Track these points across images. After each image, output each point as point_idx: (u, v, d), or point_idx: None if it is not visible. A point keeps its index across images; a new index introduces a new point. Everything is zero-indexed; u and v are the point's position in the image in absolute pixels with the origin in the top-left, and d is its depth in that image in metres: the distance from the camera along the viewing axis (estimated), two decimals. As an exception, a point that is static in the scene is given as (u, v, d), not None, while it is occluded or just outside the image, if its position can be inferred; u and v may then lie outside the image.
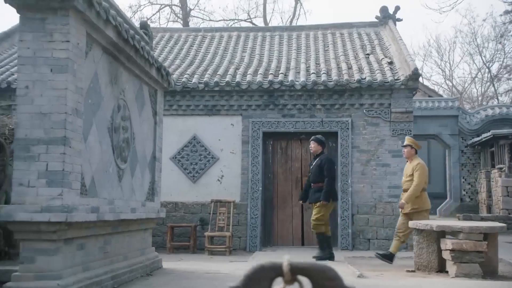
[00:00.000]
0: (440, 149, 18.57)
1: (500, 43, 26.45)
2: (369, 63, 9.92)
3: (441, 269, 5.95)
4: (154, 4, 21.52)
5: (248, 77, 9.54)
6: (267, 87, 9.32)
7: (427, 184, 7.02)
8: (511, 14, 17.46)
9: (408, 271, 6.15)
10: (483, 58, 28.23)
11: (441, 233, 5.95)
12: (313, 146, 7.51)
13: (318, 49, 11.17)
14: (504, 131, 14.71)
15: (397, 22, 11.85)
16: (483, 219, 12.16)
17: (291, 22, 22.64)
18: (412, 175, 6.81)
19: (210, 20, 22.44)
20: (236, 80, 9.44)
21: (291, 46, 11.47)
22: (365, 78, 9.16)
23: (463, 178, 16.85)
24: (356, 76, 9.23)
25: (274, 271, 1.33)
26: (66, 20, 3.60)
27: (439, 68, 31.35)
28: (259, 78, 9.49)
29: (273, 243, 9.53)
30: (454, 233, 5.71)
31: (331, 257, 7.22)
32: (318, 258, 7.12)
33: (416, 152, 7.07)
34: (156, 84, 5.89)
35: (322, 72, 9.56)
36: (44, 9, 3.60)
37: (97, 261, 4.27)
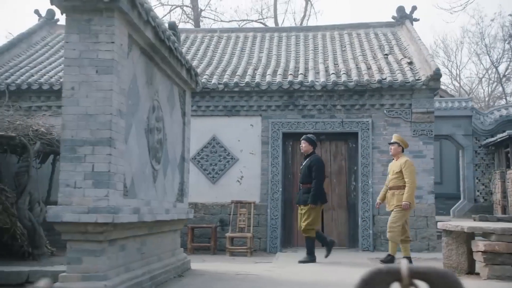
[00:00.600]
0: (453, 149, 18.50)
1: (508, 43, 26.34)
2: (388, 63, 9.89)
3: (471, 271, 5.92)
4: (165, 5, 21.55)
5: (268, 78, 9.53)
6: (287, 88, 9.30)
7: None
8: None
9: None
10: (491, 58, 28.12)
11: (471, 235, 5.91)
12: (303, 145, 7.30)
13: (335, 49, 11.14)
14: (520, 131, 14.62)
15: (413, 22, 11.81)
16: (499, 220, 12.08)
17: (301, 22, 22.62)
18: (399, 172, 6.77)
19: (221, 21, 22.46)
20: (256, 80, 9.43)
21: (307, 47, 11.45)
22: (385, 79, 9.13)
23: (476, 178, 16.77)
24: (377, 77, 9.21)
25: (392, 275, 1.31)
26: (111, 21, 3.60)
27: (446, 68, 31.30)
28: (278, 78, 9.48)
29: (293, 244, 9.51)
30: (486, 234, 5.67)
31: (313, 260, 7.06)
32: (304, 261, 6.95)
33: (402, 150, 7.02)
34: (185, 85, 5.89)
35: (342, 73, 9.53)
36: (90, 10, 3.60)
37: (136, 262, 4.27)
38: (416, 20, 11.86)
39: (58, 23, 12.68)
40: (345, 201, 9.43)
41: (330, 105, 9.34)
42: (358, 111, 9.32)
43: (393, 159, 7.15)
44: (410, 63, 9.75)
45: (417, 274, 1.31)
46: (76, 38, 3.61)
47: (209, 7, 29.36)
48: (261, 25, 21.03)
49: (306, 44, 11.61)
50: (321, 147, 9.60)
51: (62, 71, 10.19)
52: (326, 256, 7.13)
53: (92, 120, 3.58)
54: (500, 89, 28.11)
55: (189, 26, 20.54)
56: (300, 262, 6.96)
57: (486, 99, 29.42)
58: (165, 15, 22.99)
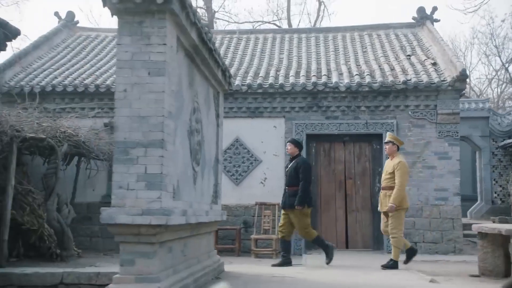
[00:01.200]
0: (468, 150, 18.36)
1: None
2: (412, 64, 9.84)
3: (508, 274, 5.85)
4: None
5: (291, 79, 9.51)
6: (311, 89, 9.28)
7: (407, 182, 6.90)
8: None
9: (472, 276, 6.06)
10: (501, 59, 27.91)
11: (507, 238, 5.85)
12: (289, 148, 7.17)
13: (356, 50, 11.10)
14: (539, 132, 14.49)
15: (434, 23, 11.74)
16: (520, 222, 11.98)
17: (314, 24, 22.58)
18: (392, 173, 6.65)
19: (236, 22, 22.43)
20: (279, 82, 9.41)
21: (328, 48, 11.41)
22: (410, 80, 9.09)
23: (494, 180, 16.64)
24: (401, 78, 9.16)
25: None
26: (163, 23, 3.60)
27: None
28: (302, 80, 9.45)
29: (316, 247, 9.44)
30: (523, 237, 5.61)
31: (288, 263, 6.96)
32: (328, 261, 6.91)
33: (398, 149, 6.94)
34: (219, 86, 5.88)
35: (365, 74, 9.50)
36: (142, 12, 3.60)
37: (180, 264, 4.26)
38: (437, 20, 11.80)
39: (78, 25, 12.75)
40: (369, 202, 9.38)
41: (354, 106, 9.30)
42: (382, 112, 9.28)
43: (388, 157, 7.02)
44: (434, 63, 9.70)
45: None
46: (128, 40, 3.61)
47: (223, 8, 29.29)
48: (276, 27, 21.02)
49: (326, 45, 11.58)
50: (345, 149, 9.57)
51: (85, 73, 10.19)
52: (328, 262, 6.97)
53: (145, 122, 3.57)
54: (511, 89, 27.90)
55: (203, 27, 20.54)
56: (273, 265, 6.78)
57: (496, 100, 29.20)
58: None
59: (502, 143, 16.24)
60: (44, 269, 6.16)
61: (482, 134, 16.65)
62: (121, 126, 3.58)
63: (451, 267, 6.91)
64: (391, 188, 6.67)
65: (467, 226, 9.86)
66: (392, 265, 6.63)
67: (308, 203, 6.93)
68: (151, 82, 3.60)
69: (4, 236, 6.80)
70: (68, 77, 9.90)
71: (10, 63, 9.95)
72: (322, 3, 22.23)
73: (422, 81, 9.03)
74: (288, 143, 7.31)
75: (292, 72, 9.89)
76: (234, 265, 6.98)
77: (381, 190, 6.89)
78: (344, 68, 10.00)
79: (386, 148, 6.96)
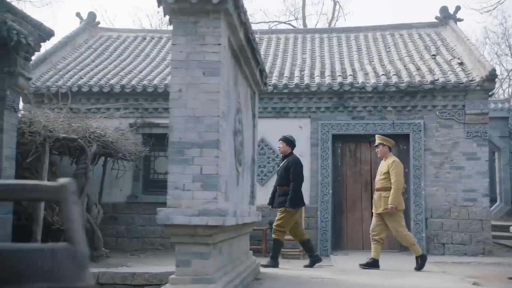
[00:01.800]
0: (487, 151, 18.18)
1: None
2: (438, 64, 9.76)
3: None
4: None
5: (317, 79, 9.47)
6: (337, 89, 9.23)
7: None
8: None
9: (510, 278, 5.99)
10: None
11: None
12: (281, 146, 6.97)
13: (379, 50, 11.04)
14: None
15: (457, 22, 11.65)
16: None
17: (329, 24, 22.51)
18: (386, 173, 6.54)
19: (252, 22, 22.40)
20: (305, 82, 9.38)
21: (351, 48, 11.36)
22: (438, 79, 9.01)
23: (513, 181, 16.49)
24: (428, 78, 9.09)
25: None
26: (218, 23, 3.58)
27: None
28: (328, 80, 9.41)
29: (342, 247, 9.42)
30: None
31: (318, 260, 6.80)
32: (267, 266, 6.51)
33: (390, 149, 6.83)
34: (256, 86, 5.87)
35: (392, 74, 9.43)
36: (197, 12, 3.58)
37: (228, 264, 4.24)
38: (460, 20, 11.71)
39: (99, 25, 12.79)
40: (396, 203, 9.30)
41: (381, 106, 9.25)
42: (409, 113, 9.21)
43: (381, 159, 6.90)
44: (461, 63, 9.61)
45: None
46: (183, 40, 3.60)
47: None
48: (292, 27, 20.97)
49: (349, 45, 11.53)
50: (371, 149, 9.50)
51: (110, 73, 10.21)
52: (306, 266, 6.73)
53: (200, 122, 3.56)
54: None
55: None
56: (263, 266, 6.41)
57: (509, 100, 28.89)
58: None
59: (522, 144, 16.10)
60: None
61: (501, 134, 16.50)
62: (176, 126, 3.57)
63: (485, 269, 6.84)
64: (386, 189, 6.57)
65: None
66: (421, 262, 6.47)
67: (299, 203, 6.79)
68: (206, 82, 3.58)
69: (37, 236, 6.83)
70: (93, 77, 9.93)
71: (36, 64, 10.00)
72: (337, 3, 22.14)
73: (450, 81, 8.95)
74: (280, 141, 7.09)
75: (317, 72, 9.85)
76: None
77: (375, 192, 6.78)
78: (369, 68, 9.95)
79: (378, 151, 6.86)
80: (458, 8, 11.79)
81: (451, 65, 9.64)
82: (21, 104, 7.87)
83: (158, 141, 9.49)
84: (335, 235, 9.39)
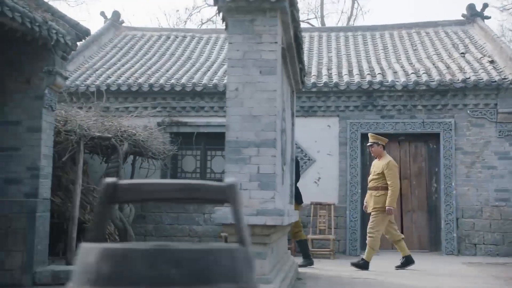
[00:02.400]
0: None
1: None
2: (468, 62, 9.64)
3: None
4: (212, 6, 21.62)
5: (345, 78, 9.41)
6: (366, 88, 9.16)
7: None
8: None
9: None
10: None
11: None
12: None
13: (406, 48, 10.94)
14: None
15: (485, 20, 11.50)
16: None
17: (348, 22, 22.38)
18: (380, 173, 6.41)
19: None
20: (334, 81, 9.32)
21: (376, 46, 11.27)
22: (469, 78, 8.90)
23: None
24: (459, 76, 8.98)
25: None
26: (275, 21, 3.56)
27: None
28: (356, 78, 9.34)
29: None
30: None
31: (311, 263, 6.72)
32: (303, 265, 6.52)
33: (384, 148, 6.69)
34: (296, 85, 5.84)
35: (422, 72, 9.34)
36: (254, 10, 3.56)
37: (277, 264, 4.22)
38: (488, 18, 11.56)
39: (123, 24, 12.84)
40: (425, 203, 9.23)
41: (411, 105, 9.16)
42: (439, 112, 9.11)
43: (375, 158, 6.78)
44: (492, 61, 9.48)
45: None
46: (239, 38, 3.58)
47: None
48: (309, 25, 20.89)
49: (375, 43, 11.44)
50: (400, 148, 9.42)
51: (137, 72, 10.21)
52: (301, 265, 6.54)
53: (256, 121, 3.54)
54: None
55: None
56: (300, 266, 6.33)
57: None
58: (213, 16, 23.10)
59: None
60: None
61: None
62: (232, 126, 3.55)
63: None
64: (377, 188, 6.46)
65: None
66: (362, 264, 6.33)
67: (298, 201, 6.75)
68: (263, 81, 3.56)
69: (73, 234, 6.87)
70: (121, 76, 9.97)
71: (64, 63, 10.04)
72: (356, 1, 21.99)
73: (482, 79, 8.83)
74: None
75: (344, 71, 9.78)
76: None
77: (368, 191, 6.68)
78: (397, 67, 9.86)
79: (372, 150, 6.75)
80: (485, 6, 11.64)
81: (482, 63, 9.51)
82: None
83: (185, 139, 9.51)
84: (364, 235, 9.31)
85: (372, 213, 6.52)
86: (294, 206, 6.48)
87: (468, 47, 10.48)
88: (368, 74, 9.50)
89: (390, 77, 9.24)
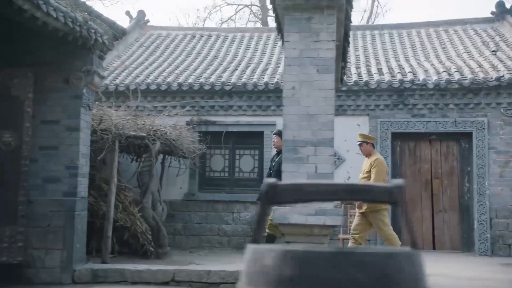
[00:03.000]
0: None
1: None
2: (500, 60, 9.49)
3: None
4: (231, 4, 21.62)
5: (375, 76, 9.32)
6: (397, 87, 9.07)
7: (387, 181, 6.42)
8: None
9: None
10: None
11: None
12: (276, 140, 6.61)
13: (435, 47, 10.81)
14: None
15: None
16: None
17: (367, 21, 22.21)
18: (369, 171, 6.23)
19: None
20: (364, 79, 9.24)
21: (404, 44, 11.16)
22: (503, 76, 8.75)
23: None
24: (493, 74, 8.84)
25: None
26: (332, 19, 3.52)
27: None
28: (387, 77, 9.25)
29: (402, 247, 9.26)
30: None
31: None
32: None
33: (373, 146, 6.54)
34: (336, 83, 5.78)
35: (453, 71, 9.21)
36: (311, 8, 3.53)
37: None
38: (518, 15, 11.36)
39: (148, 24, 12.89)
40: (457, 203, 9.11)
41: (442, 104, 9.04)
42: (472, 110, 8.98)
43: (366, 157, 6.64)
44: (526, 59, 9.32)
45: None
46: (296, 37, 3.55)
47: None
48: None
49: (402, 41, 11.32)
50: (431, 147, 9.32)
51: (165, 71, 10.20)
52: None
53: (314, 120, 3.51)
54: None
55: (258, 25, 20.53)
56: None
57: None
58: (233, 15, 23.11)
59: None
60: (155, 266, 6.20)
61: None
62: (289, 125, 3.52)
63: None
64: None
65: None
66: None
67: None
68: (320, 80, 3.53)
69: (108, 233, 6.90)
70: (149, 75, 10.00)
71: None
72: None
73: (516, 77, 8.68)
74: (274, 135, 6.82)
75: (374, 70, 9.70)
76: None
77: None
78: (427, 65, 9.74)
79: (362, 149, 6.59)
80: (515, 3, 11.45)
81: (515, 61, 9.36)
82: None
83: (214, 138, 9.50)
84: (394, 235, 9.23)
85: (370, 217, 6.33)
86: None
87: (499, 45, 10.32)
88: (398, 72, 9.41)
89: (421, 76, 9.14)
